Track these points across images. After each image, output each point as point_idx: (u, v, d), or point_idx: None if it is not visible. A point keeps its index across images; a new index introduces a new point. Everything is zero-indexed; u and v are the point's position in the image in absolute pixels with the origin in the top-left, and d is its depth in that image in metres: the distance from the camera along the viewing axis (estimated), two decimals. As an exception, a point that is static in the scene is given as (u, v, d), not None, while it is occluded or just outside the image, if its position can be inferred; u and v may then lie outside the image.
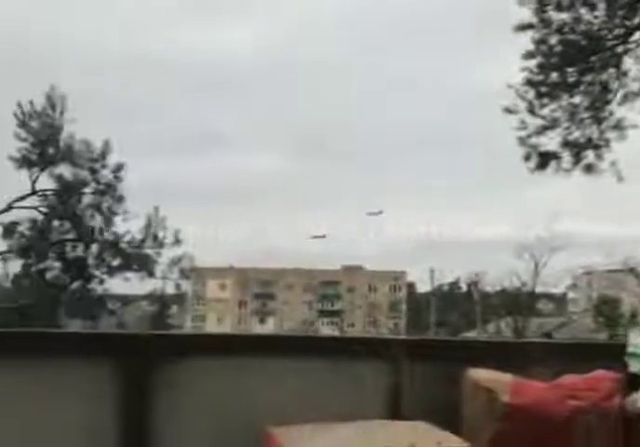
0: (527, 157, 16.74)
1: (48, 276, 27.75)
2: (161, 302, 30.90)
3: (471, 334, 46.17)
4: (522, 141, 16.68)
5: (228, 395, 3.24)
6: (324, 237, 53.41)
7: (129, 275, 27.89)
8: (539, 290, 49.64)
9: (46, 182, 27.79)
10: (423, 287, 64.81)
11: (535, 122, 16.76)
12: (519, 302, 47.15)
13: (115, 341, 3.28)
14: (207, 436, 3.20)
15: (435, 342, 3.91)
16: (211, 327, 75.41)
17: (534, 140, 16.75)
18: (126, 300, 32.32)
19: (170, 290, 30.50)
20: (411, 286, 76.42)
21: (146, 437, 3.14)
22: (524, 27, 16.63)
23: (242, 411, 3.21)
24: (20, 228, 27.61)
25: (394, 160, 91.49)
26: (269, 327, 77.74)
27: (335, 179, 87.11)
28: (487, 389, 3.15)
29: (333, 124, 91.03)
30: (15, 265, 27.93)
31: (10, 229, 27.40)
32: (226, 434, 3.19)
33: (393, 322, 73.21)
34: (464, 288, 63.38)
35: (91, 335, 3.62)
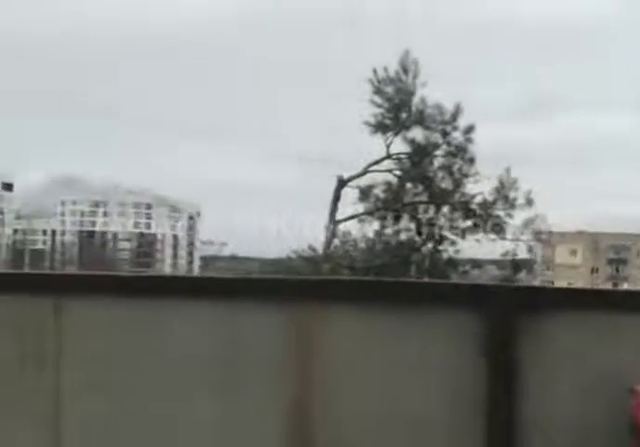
0: None
1: (401, 237, 28.67)
2: (511, 265, 30.57)
3: None
4: None
5: (593, 350, 3.16)
6: None
7: (480, 237, 28.06)
8: None
9: (399, 146, 28.67)
10: None
11: None
12: None
13: (486, 291, 3.32)
14: (572, 389, 3.16)
15: None
16: (561, 293, 73.91)
17: None
18: (474, 263, 32.44)
19: (521, 253, 30.22)
20: None
21: (514, 383, 3.17)
22: None
23: (608, 367, 3.13)
24: (376, 191, 28.78)
25: None
26: (623, 294, 74.62)
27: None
28: None
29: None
30: (370, 227, 29.20)
31: (366, 192, 28.63)
32: (592, 389, 3.13)
33: None
34: None
35: (453, 285, 3.89)
